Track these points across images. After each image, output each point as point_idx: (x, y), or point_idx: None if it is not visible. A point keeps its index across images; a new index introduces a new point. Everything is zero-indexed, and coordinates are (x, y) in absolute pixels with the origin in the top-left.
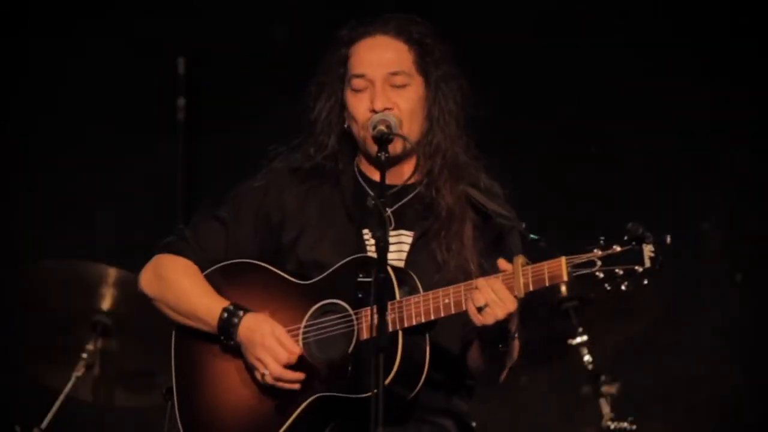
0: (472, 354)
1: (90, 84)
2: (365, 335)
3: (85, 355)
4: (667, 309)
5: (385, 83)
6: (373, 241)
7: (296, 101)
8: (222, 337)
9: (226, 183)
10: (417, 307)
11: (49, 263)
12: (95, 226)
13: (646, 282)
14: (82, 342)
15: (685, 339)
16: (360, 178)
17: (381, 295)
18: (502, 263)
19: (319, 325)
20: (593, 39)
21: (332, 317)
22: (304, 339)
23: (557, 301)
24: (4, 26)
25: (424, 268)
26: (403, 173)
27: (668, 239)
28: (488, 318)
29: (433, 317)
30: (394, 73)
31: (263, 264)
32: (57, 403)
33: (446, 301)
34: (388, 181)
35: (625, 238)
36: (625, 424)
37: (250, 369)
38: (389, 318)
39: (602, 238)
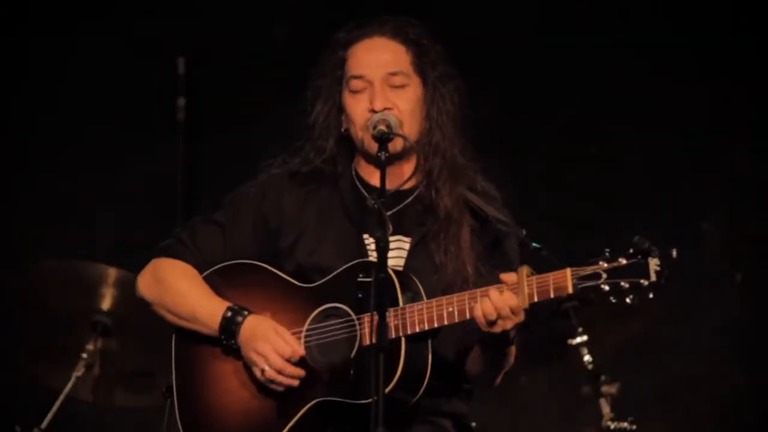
0: (470, 358)
1: (90, 84)
2: (368, 341)
3: (85, 355)
4: (667, 309)
5: (383, 83)
6: (373, 246)
7: (296, 101)
8: (223, 337)
9: (226, 183)
10: (420, 315)
11: (49, 263)
12: (95, 226)
13: (651, 296)
14: (82, 342)
15: (685, 339)
16: (357, 182)
17: (381, 296)
18: (504, 276)
19: (322, 329)
20: (593, 39)
21: (335, 321)
22: (306, 343)
23: (557, 302)
24: (4, 26)
25: (423, 271)
26: (403, 174)
27: (674, 253)
28: (497, 329)
29: (436, 325)
30: (393, 74)
31: (263, 265)
32: (57, 403)
33: (450, 309)
34: (387, 183)
35: (631, 251)
36: (625, 424)
37: (250, 370)
38: (392, 324)
39: (607, 250)
